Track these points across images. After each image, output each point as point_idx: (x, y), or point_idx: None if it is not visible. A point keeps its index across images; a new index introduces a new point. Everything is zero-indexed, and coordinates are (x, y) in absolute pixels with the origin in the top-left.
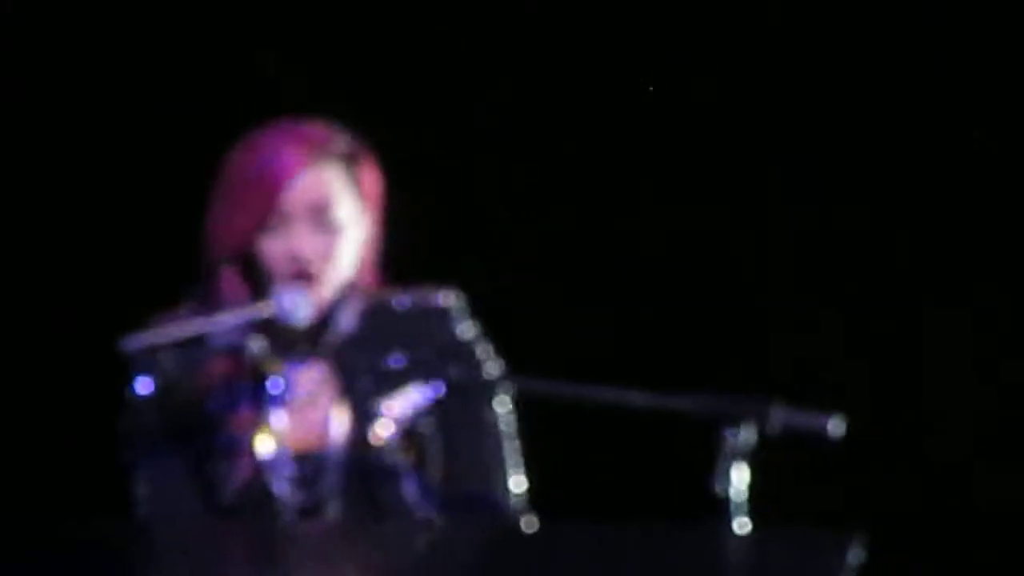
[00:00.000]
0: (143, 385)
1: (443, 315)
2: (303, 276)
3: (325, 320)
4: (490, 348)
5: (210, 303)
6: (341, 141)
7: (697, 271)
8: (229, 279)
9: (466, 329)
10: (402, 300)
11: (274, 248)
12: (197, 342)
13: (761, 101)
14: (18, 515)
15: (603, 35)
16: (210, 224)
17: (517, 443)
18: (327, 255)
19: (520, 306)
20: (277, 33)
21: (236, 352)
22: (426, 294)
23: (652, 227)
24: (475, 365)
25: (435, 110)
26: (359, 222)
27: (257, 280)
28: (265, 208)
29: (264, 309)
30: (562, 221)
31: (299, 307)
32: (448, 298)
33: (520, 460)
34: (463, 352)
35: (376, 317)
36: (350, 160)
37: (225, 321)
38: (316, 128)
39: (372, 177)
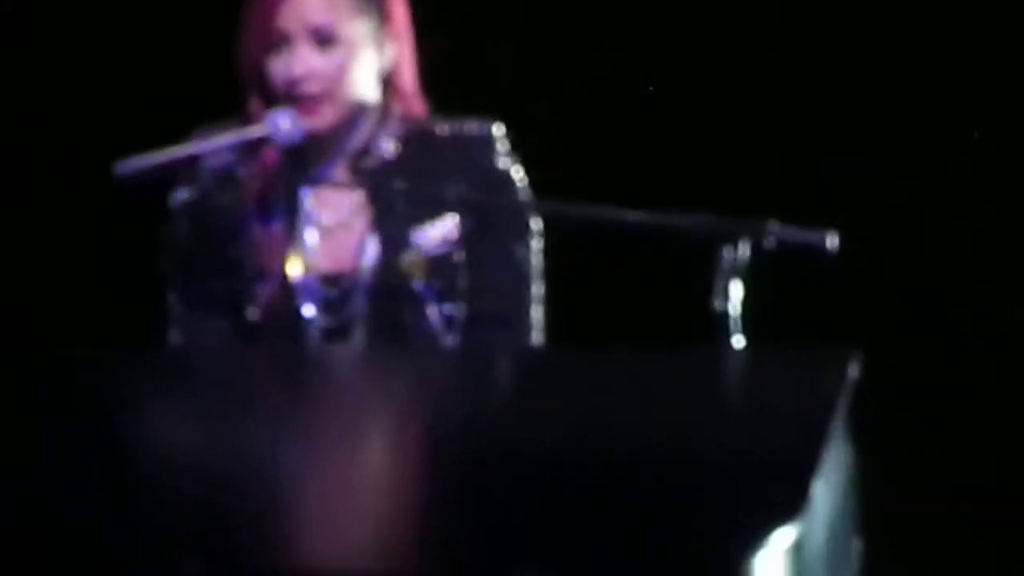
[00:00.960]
0: (181, 196)
1: (484, 144)
2: (302, 96)
3: (363, 144)
4: (526, 179)
5: (245, 122)
6: None
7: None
8: (254, 102)
9: (506, 159)
10: (443, 127)
11: (277, 68)
12: (195, 165)
13: None
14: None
15: None
16: (236, 45)
17: (542, 273)
18: (329, 74)
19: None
20: None
21: (230, 176)
22: (468, 122)
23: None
24: (512, 195)
25: None
26: (377, 42)
27: (273, 102)
28: (265, 27)
29: (256, 131)
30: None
31: (291, 127)
32: (489, 127)
33: (543, 290)
34: (501, 181)
35: (415, 143)
36: None
37: (219, 143)
38: None
39: (396, 4)
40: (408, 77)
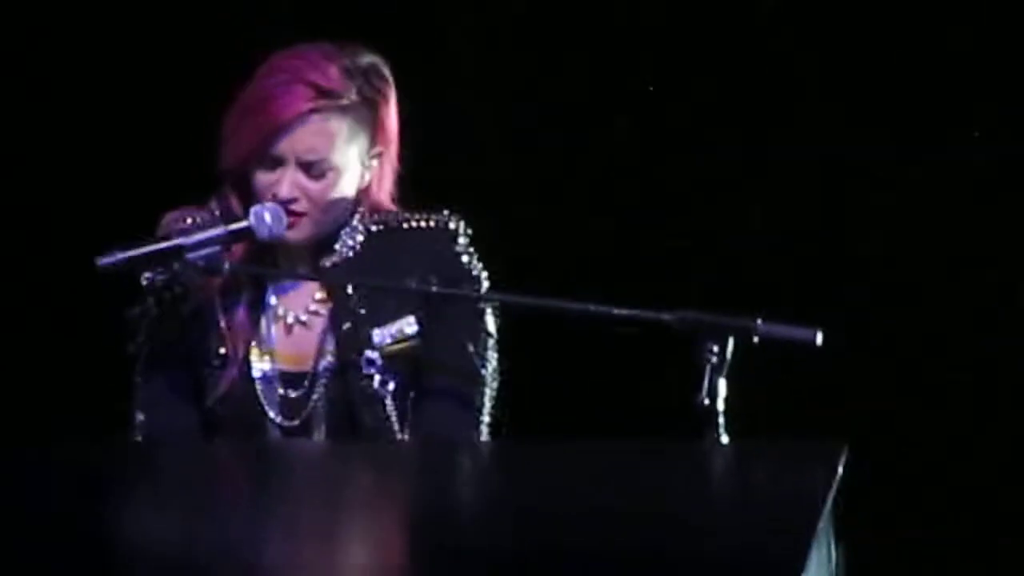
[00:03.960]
0: (151, 279)
1: (444, 237)
2: (287, 212)
3: (327, 242)
4: (484, 271)
5: (223, 209)
6: (356, 89)
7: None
8: (231, 195)
9: (466, 252)
10: (406, 221)
11: (263, 181)
12: (176, 256)
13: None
14: (15, 439)
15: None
16: (221, 135)
17: (501, 363)
18: (314, 199)
19: (510, 224)
20: None
21: (212, 268)
22: (429, 215)
23: (643, 149)
24: (470, 288)
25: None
26: (365, 159)
27: (249, 202)
28: (259, 147)
29: (239, 226)
30: (553, 143)
31: (274, 225)
32: (450, 220)
33: (502, 379)
34: (460, 275)
35: (378, 238)
36: (365, 105)
37: (201, 236)
38: (332, 72)
39: (388, 118)
40: (385, 185)
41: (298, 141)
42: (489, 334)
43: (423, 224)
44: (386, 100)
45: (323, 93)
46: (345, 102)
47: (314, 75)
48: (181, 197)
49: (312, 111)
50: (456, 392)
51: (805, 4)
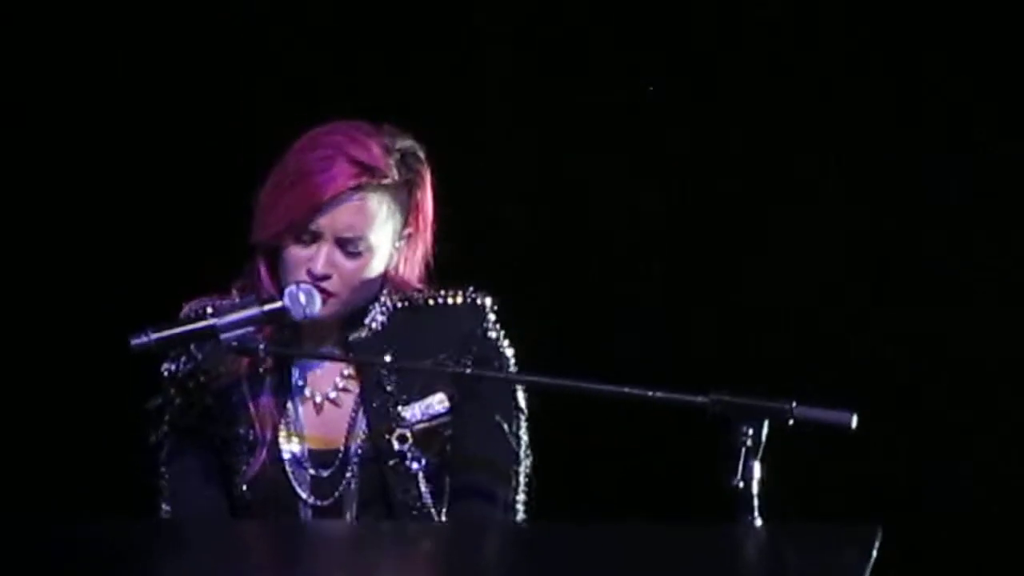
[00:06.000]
0: (173, 367)
1: (472, 316)
2: (318, 289)
3: (353, 318)
4: (512, 350)
5: (250, 289)
6: (395, 167)
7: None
8: (262, 270)
9: (494, 331)
10: (433, 299)
11: (297, 256)
12: (209, 337)
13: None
14: (39, 516)
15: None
16: (255, 209)
17: (530, 443)
18: (346, 277)
19: (545, 308)
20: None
21: (247, 349)
22: (456, 292)
23: (674, 227)
24: (499, 367)
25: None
26: (396, 242)
27: (278, 276)
28: (299, 221)
29: (273, 306)
30: (582, 221)
31: (308, 305)
32: (478, 299)
33: (533, 459)
34: (489, 354)
35: (405, 316)
36: (404, 185)
37: (235, 317)
38: (373, 149)
39: (425, 200)
40: (413, 266)
41: (338, 218)
42: (521, 411)
43: (450, 301)
44: (423, 182)
45: (366, 170)
46: (387, 181)
47: (357, 151)
48: (206, 281)
49: (354, 188)
50: (492, 475)
51: None
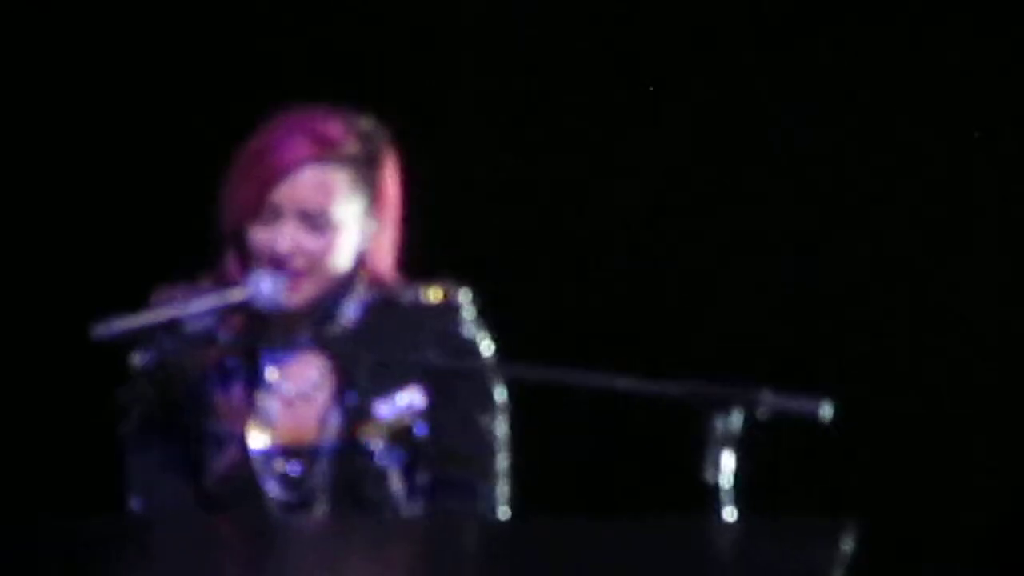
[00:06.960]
0: (142, 358)
1: (448, 311)
2: (282, 269)
3: (327, 311)
4: (491, 344)
5: (219, 280)
6: (357, 143)
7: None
8: (230, 259)
9: (471, 325)
10: (408, 294)
11: (260, 238)
12: (174, 328)
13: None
14: (10, 516)
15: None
16: (219, 199)
17: (508, 440)
18: (313, 254)
19: (510, 293)
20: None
21: (209, 339)
22: (434, 291)
23: (646, 216)
24: (476, 362)
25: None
26: (365, 221)
27: (249, 263)
28: (256, 199)
29: (237, 295)
30: (554, 210)
31: (273, 293)
32: (455, 297)
33: (510, 456)
34: (465, 348)
35: (380, 310)
36: (366, 162)
37: (198, 306)
38: (333, 125)
39: (391, 178)
40: (384, 252)
41: (298, 190)
42: (498, 406)
43: (426, 300)
44: (386, 162)
45: (324, 143)
46: (347, 153)
47: (315, 125)
48: (175, 268)
49: (313, 160)
50: (470, 470)
51: None
